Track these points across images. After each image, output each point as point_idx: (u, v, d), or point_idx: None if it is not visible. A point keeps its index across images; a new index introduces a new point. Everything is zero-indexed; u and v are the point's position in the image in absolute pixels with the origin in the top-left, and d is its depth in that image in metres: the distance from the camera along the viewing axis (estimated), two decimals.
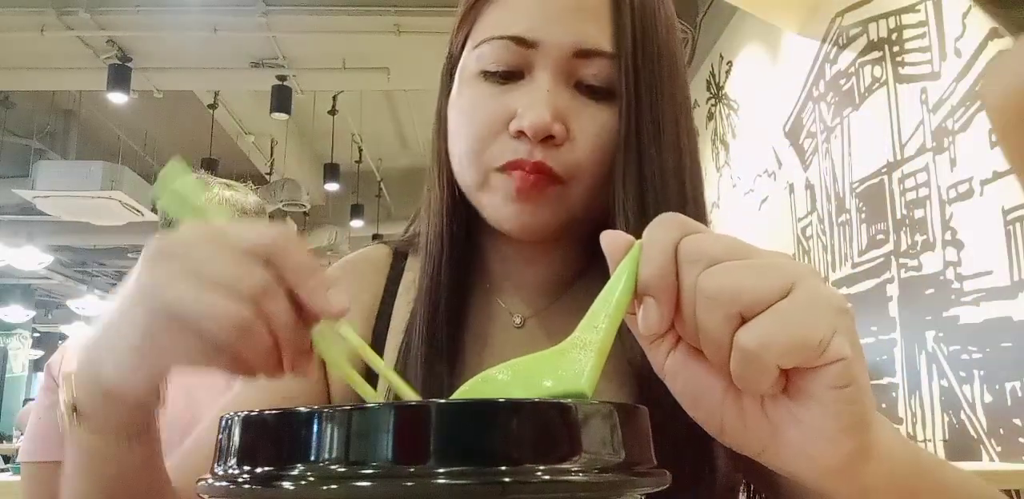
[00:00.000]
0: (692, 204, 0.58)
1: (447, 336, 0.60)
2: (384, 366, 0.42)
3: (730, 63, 4.17)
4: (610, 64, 0.56)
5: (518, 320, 0.64)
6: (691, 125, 0.60)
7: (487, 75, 0.58)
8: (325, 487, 0.26)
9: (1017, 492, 1.75)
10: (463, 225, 0.62)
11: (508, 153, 0.56)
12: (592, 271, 0.63)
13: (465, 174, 0.59)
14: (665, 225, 0.36)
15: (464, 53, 0.61)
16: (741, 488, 0.59)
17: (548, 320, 0.64)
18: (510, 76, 0.57)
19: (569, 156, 0.55)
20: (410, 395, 0.40)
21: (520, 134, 0.55)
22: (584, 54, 0.56)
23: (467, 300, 0.63)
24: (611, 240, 0.37)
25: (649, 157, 0.56)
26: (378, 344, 0.63)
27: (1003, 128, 0.22)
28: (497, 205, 0.57)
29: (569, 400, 0.29)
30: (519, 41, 0.56)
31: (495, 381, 0.36)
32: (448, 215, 0.61)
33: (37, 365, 13.00)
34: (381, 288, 0.67)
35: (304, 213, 8.33)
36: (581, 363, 0.35)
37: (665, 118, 0.57)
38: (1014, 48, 0.20)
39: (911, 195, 2.43)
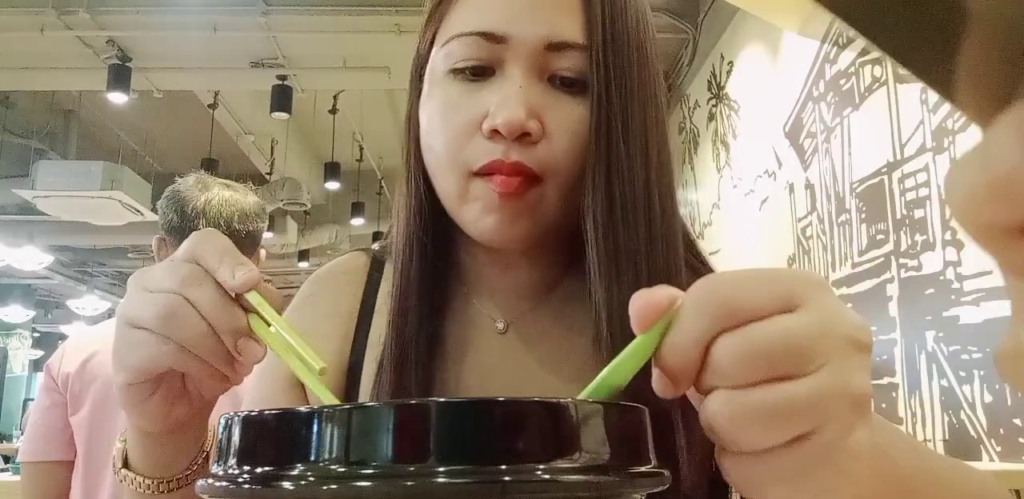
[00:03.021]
0: (658, 197, 0.56)
1: (424, 343, 0.58)
2: (297, 340, 0.43)
3: (731, 63, 4.17)
4: (583, 56, 0.54)
5: (501, 325, 0.62)
6: (661, 118, 0.58)
7: (457, 74, 0.56)
8: (325, 487, 0.26)
9: (1017, 492, 1.75)
10: (434, 230, 0.59)
11: (484, 155, 0.54)
12: (572, 275, 0.62)
13: (443, 183, 0.57)
14: (702, 310, 0.31)
15: (432, 52, 0.59)
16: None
17: (531, 325, 0.62)
18: (481, 73, 0.55)
19: (546, 153, 0.54)
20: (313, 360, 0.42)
21: (495, 133, 0.53)
22: (556, 47, 0.54)
23: (445, 306, 0.62)
24: (642, 305, 0.32)
25: (617, 151, 0.54)
26: (358, 357, 0.62)
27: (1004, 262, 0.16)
28: (477, 216, 0.55)
29: (568, 399, 0.28)
30: (488, 36, 0.54)
31: None
32: (418, 220, 0.59)
33: (37, 365, 13.00)
34: (358, 301, 0.65)
35: (305, 212, 8.33)
36: None
37: (634, 111, 0.55)
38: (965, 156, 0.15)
39: (911, 195, 2.43)
